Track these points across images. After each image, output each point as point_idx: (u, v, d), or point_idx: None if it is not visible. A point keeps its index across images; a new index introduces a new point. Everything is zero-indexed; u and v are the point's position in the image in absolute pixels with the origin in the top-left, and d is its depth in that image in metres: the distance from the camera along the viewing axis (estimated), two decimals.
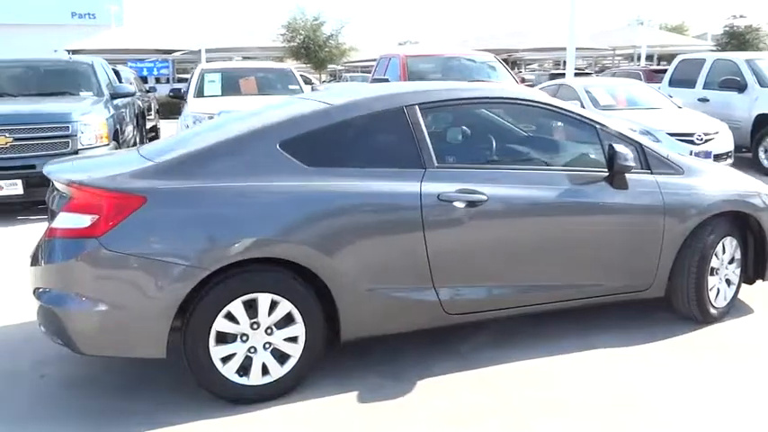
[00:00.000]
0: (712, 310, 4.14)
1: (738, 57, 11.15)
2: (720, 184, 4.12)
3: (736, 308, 4.35)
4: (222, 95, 9.42)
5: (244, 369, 3.21)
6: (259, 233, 3.12)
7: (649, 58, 29.72)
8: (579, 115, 3.89)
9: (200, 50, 25.28)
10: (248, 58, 23.45)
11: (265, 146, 3.28)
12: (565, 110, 3.88)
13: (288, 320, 3.24)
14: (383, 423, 3.12)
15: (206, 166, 3.19)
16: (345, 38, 26.95)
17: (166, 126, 16.35)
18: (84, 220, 3.02)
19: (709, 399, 3.31)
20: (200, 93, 9.44)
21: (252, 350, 3.21)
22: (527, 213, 3.59)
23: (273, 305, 3.20)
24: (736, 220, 4.16)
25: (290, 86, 9.79)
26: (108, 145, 8.06)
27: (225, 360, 3.17)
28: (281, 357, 3.27)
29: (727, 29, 29.17)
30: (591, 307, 4.02)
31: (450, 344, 3.85)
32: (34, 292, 3.24)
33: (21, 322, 4.35)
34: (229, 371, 3.18)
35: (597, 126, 3.86)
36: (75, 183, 3.11)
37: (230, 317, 3.14)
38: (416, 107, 3.52)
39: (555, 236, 3.68)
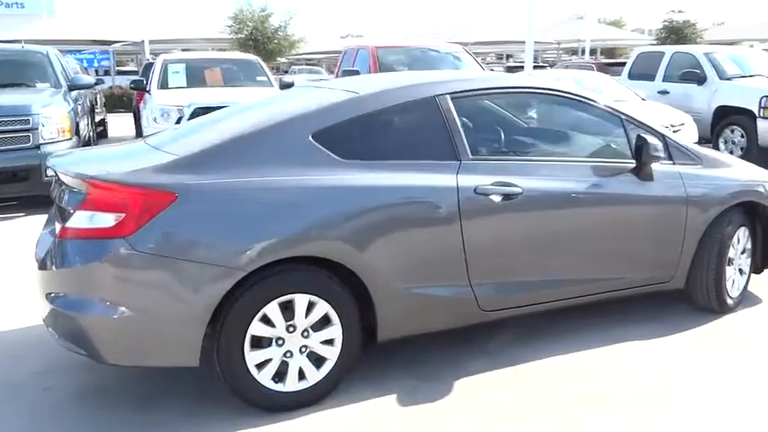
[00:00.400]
0: (729, 301, 4.16)
1: (697, 50, 11.40)
2: (736, 173, 4.13)
3: (746, 297, 4.38)
4: (188, 87, 9.05)
5: (279, 375, 3.02)
6: (297, 231, 2.93)
7: (591, 52, 30.35)
8: (605, 106, 3.82)
9: (142, 41, 24.48)
10: (188, 50, 22.80)
11: (297, 137, 3.08)
12: (591, 100, 3.80)
13: (324, 322, 3.06)
14: (426, 426, 2.98)
15: (236, 159, 2.97)
16: (294, 30, 26.52)
17: (114, 120, 15.78)
18: (106, 219, 2.76)
19: (743, 387, 3.30)
20: (163, 84, 9.05)
21: (288, 354, 3.02)
22: (560, 206, 3.50)
23: (310, 306, 3.01)
24: (748, 209, 4.17)
25: (258, 78, 9.50)
26: (71, 140, 7.66)
27: (260, 366, 2.97)
28: (317, 361, 3.09)
29: (666, 23, 30.04)
30: (613, 301, 3.96)
31: (475, 342, 3.73)
32: (46, 297, 2.96)
33: (10, 329, 4.03)
34: (265, 377, 2.98)
35: (622, 116, 3.80)
36: (96, 178, 2.85)
37: (266, 320, 2.94)
38: (448, 96, 3.38)
39: (585, 228, 3.61)
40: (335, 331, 3.07)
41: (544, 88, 3.76)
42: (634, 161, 3.72)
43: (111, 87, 21.26)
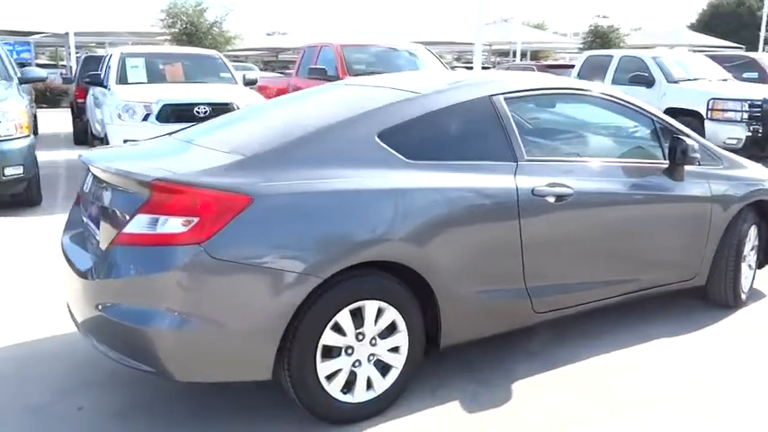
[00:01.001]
0: (742, 296, 4.29)
1: (645, 54, 11.80)
2: (750, 173, 4.25)
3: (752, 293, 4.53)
4: (148, 83, 8.64)
5: (347, 385, 2.88)
6: (371, 234, 2.80)
7: (522, 54, 31.03)
8: (640, 107, 3.86)
9: (66, 34, 23.30)
10: (115, 44, 21.86)
11: (363, 137, 2.95)
12: (628, 102, 3.83)
13: (391, 329, 2.95)
14: None
15: (304, 159, 2.81)
16: (229, 25, 25.83)
17: (43, 116, 14.98)
18: (175, 224, 2.55)
19: None
20: (122, 79, 8.59)
21: (356, 364, 2.89)
22: (603, 206, 3.50)
23: (379, 313, 2.89)
24: (758, 207, 4.30)
25: (222, 74, 9.18)
26: (28, 137, 7.17)
27: (330, 377, 2.82)
28: (383, 369, 2.97)
29: (591, 28, 31.03)
30: (634, 300, 3.99)
31: (515, 343, 3.68)
32: (96, 308, 2.72)
33: (14, 342, 3.71)
34: (335, 388, 2.84)
35: (654, 118, 3.86)
36: (165, 180, 2.62)
37: (337, 328, 2.80)
38: (501, 97, 3.33)
39: (625, 228, 3.63)
40: (402, 338, 2.97)
41: (586, 89, 3.76)
42: (667, 162, 3.77)
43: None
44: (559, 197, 3.28)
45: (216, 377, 2.70)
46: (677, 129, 3.90)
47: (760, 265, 4.57)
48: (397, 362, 2.98)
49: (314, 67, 9.64)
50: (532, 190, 3.21)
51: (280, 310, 2.63)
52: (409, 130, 3.05)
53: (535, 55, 39.98)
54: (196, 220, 2.54)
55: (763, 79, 12.01)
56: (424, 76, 3.78)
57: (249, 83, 9.23)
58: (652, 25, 43.89)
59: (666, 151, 3.80)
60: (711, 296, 4.26)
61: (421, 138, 3.09)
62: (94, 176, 3.08)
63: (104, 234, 2.88)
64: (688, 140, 3.67)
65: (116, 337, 2.70)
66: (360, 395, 2.90)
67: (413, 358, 3.02)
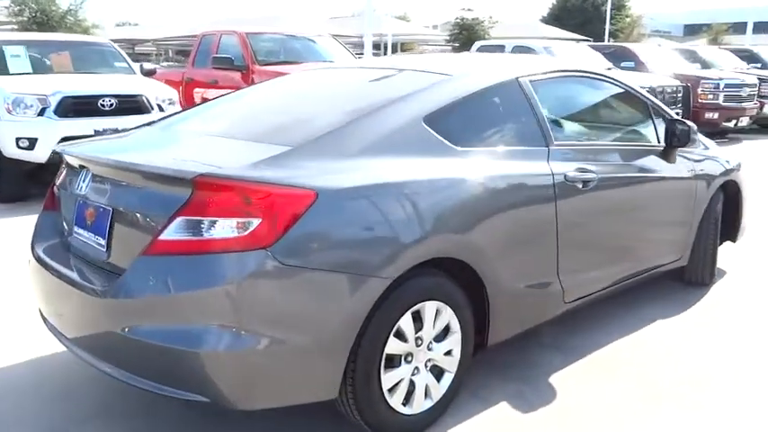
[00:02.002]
0: (714, 273, 4.46)
1: (537, 44, 12.21)
2: (720, 154, 4.40)
3: None
4: (34, 73, 7.70)
5: (406, 396, 2.63)
6: (434, 231, 2.55)
7: (378, 46, 31.22)
8: (639, 92, 3.87)
9: None
10: None
11: (411, 122, 2.69)
12: (629, 86, 3.82)
13: (445, 331, 2.73)
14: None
15: (356, 149, 2.51)
16: (87, 14, 23.96)
17: None
18: (227, 227, 2.18)
19: None
20: (2, 70, 7.59)
21: (415, 371, 2.64)
22: (617, 190, 3.47)
23: (437, 314, 2.66)
24: (723, 188, 4.46)
25: (117, 64, 8.38)
26: None
27: (391, 389, 2.56)
28: (438, 375, 2.75)
29: (458, 21, 31.93)
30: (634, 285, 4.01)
31: (526, 337, 3.57)
32: (122, 330, 2.28)
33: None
34: (396, 401, 2.58)
35: (649, 102, 3.89)
36: (214, 176, 2.22)
37: (399, 334, 2.54)
38: (527, 79, 3.18)
39: (633, 211, 3.63)
40: (455, 340, 2.75)
41: (598, 73, 3.70)
42: (662, 144, 3.81)
43: None
44: (585, 182, 3.20)
45: (280, 402, 2.35)
46: (666, 112, 3.95)
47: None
48: (452, 366, 2.77)
49: (218, 56, 9.05)
50: (565, 176, 3.10)
51: (350, 318, 2.33)
52: (451, 114, 2.83)
53: (402, 47, 40.52)
54: (257, 221, 2.17)
55: (638, 68, 12.82)
56: (433, 59, 3.54)
57: (148, 73, 8.51)
58: (509, 19, 45.84)
59: (660, 134, 3.83)
60: (689, 275, 4.38)
61: (463, 123, 2.88)
62: (94, 175, 2.60)
63: (122, 244, 2.43)
64: (684, 124, 3.72)
65: (151, 362, 2.28)
66: (418, 405, 2.66)
67: (465, 361, 2.82)
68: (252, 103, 3.33)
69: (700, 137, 4.41)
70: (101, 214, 2.54)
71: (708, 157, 4.19)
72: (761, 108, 13.09)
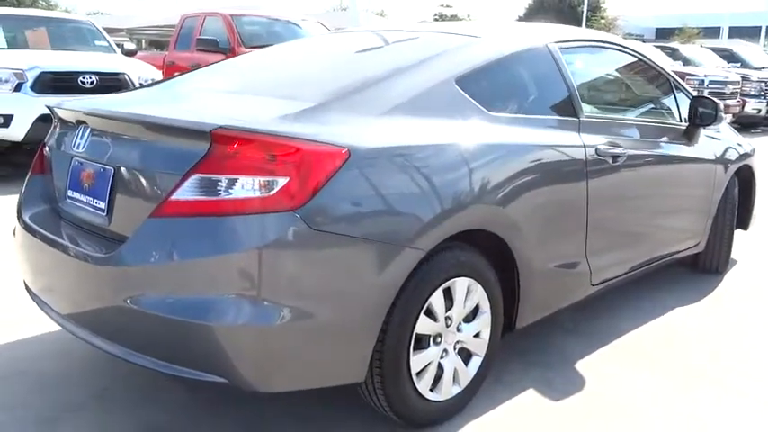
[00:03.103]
0: (728, 261, 4.31)
1: None
2: (735, 138, 4.25)
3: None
4: (9, 48, 7.33)
5: (435, 380, 2.41)
6: (471, 197, 2.32)
7: None
8: (662, 68, 3.69)
9: None
10: None
11: (443, 83, 2.45)
12: (653, 61, 3.64)
13: (474, 311, 2.51)
14: (604, 424, 2.58)
15: (386, 107, 2.27)
16: (59, 0, 23.28)
17: None
18: (248, 186, 1.93)
19: None
20: None
21: (444, 354, 2.42)
22: (644, 167, 3.28)
23: (468, 292, 2.44)
24: (738, 172, 4.31)
25: (97, 42, 8.01)
26: None
27: (419, 373, 2.33)
28: (466, 359, 2.53)
29: (436, 17, 31.82)
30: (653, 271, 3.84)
31: (547, 321, 3.37)
32: (124, 301, 2.02)
33: None
34: (425, 386, 2.36)
35: (671, 79, 3.72)
36: (232, 128, 1.96)
37: (429, 313, 2.31)
38: (556, 45, 2.98)
39: (660, 194, 3.45)
40: (485, 321, 2.54)
41: (624, 46, 3.50)
42: (685, 123, 3.65)
43: None
44: (615, 157, 3.01)
45: (302, 384, 2.09)
46: (688, 91, 3.78)
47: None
48: (480, 349, 2.55)
49: (202, 38, 8.73)
50: (596, 149, 2.90)
51: (382, 292, 2.10)
52: (483, 77, 2.60)
53: None
54: (283, 180, 1.93)
55: None
56: (458, 25, 3.32)
57: (129, 53, 8.17)
58: (486, 16, 45.89)
59: (683, 112, 3.66)
60: (703, 263, 4.23)
61: (494, 87, 2.66)
62: (93, 130, 2.32)
63: (126, 207, 2.17)
64: (711, 102, 3.55)
65: (160, 338, 2.02)
66: (447, 391, 2.44)
67: (494, 344, 2.60)
68: (268, 63, 3.07)
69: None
70: (100, 174, 2.27)
71: (724, 140, 4.03)
72: (743, 106, 13.13)
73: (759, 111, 13.52)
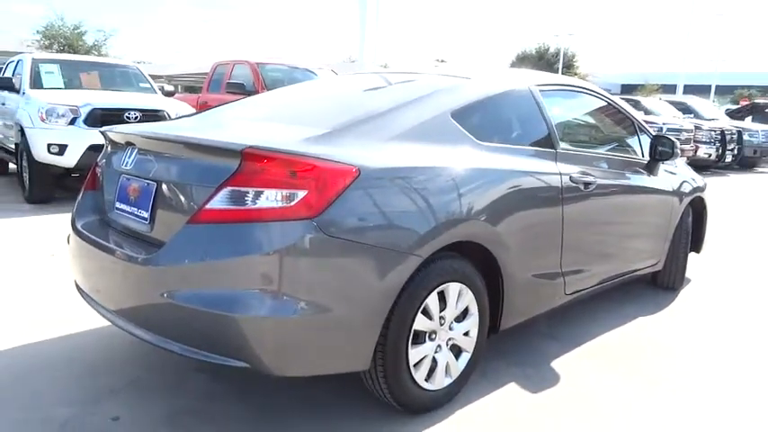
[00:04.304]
0: (683, 278, 4.32)
1: None
2: (690, 173, 4.29)
3: None
4: (65, 88, 7.41)
5: (429, 372, 2.41)
6: (463, 213, 2.35)
7: None
8: (625, 109, 3.74)
9: None
10: None
11: (440, 115, 2.50)
12: (617, 103, 3.69)
13: (464, 313, 2.52)
14: (575, 413, 2.57)
15: (391, 134, 2.31)
16: (110, 49, 23.53)
17: None
18: (272, 198, 1.96)
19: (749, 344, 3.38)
20: (36, 84, 7.29)
21: (437, 349, 2.42)
22: (611, 195, 3.30)
23: (459, 296, 2.45)
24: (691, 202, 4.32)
25: (141, 84, 8.11)
26: None
27: (416, 365, 2.34)
28: (456, 354, 2.53)
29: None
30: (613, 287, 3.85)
31: (526, 326, 3.37)
32: (162, 296, 2.03)
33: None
34: (421, 376, 2.36)
35: (634, 120, 3.77)
36: (260, 148, 2.00)
37: (425, 312, 2.32)
38: (537, 87, 3.03)
39: (625, 218, 3.48)
40: (473, 321, 2.55)
41: (596, 92, 3.55)
42: (646, 158, 3.69)
43: None
44: (587, 184, 3.04)
45: (315, 370, 2.10)
46: (647, 129, 3.83)
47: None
48: (469, 346, 2.56)
49: (231, 81, 8.83)
50: (570, 176, 2.94)
51: (385, 292, 2.11)
52: (474, 111, 2.65)
53: None
54: (303, 193, 1.96)
55: None
56: (451, 67, 3.37)
57: (167, 94, 8.26)
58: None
59: (645, 149, 3.71)
60: (661, 280, 4.24)
61: (484, 120, 2.70)
62: (140, 150, 2.36)
63: (165, 216, 2.20)
64: (668, 140, 3.59)
65: (192, 328, 2.02)
66: (440, 382, 2.44)
67: (481, 342, 2.61)
68: (288, 98, 3.12)
69: None
70: (144, 188, 2.30)
71: (680, 174, 4.06)
72: (696, 151, 13.21)
73: (710, 155, 13.59)
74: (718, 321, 3.76)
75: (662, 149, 3.61)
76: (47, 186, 6.60)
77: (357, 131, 2.25)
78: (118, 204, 2.46)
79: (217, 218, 1.99)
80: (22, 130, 6.64)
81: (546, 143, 2.92)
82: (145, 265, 2.09)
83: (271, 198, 1.96)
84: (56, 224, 5.60)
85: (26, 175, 6.66)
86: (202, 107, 9.46)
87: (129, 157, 2.40)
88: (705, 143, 13.43)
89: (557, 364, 2.99)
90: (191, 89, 28.82)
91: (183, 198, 2.15)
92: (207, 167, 2.09)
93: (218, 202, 1.99)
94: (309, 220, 1.94)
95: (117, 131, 2.54)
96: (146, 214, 2.27)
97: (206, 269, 1.98)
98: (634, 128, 3.75)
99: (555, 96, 3.17)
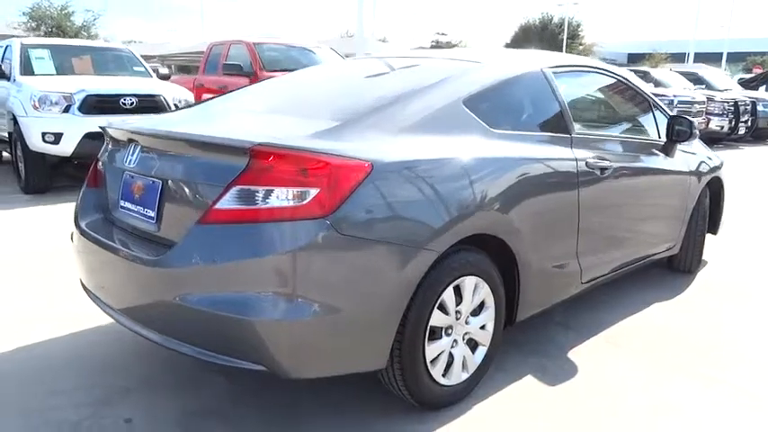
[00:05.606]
0: (700, 262, 4.32)
1: None
2: (707, 153, 4.26)
3: None
4: (57, 74, 7.36)
5: (446, 368, 2.42)
6: (477, 205, 2.34)
7: None
8: (642, 90, 3.70)
9: None
10: None
11: (451, 104, 2.48)
12: (633, 84, 3.66)
13: (480, 307, 2.52)
14: (595, 406, 2.58)
15: (403, 126, 2.29)
16: (100, 29, 23.31)
17: None
18: (283, 196, 1.95)
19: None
20: (27, 71, 7.23)
21: (454, 344, 2.43)
22: (627, 179, 3.28)
23: (475, 289, 2.45)
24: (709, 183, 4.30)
25: (135, 68, 8.05)
26: None
27: (433, 361, 2.35)
28: (473, 349, 2.54)
29: (433, 44, 31.84)
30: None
31: (542, 316, 3.38)
32: (174, 299, 2.03)
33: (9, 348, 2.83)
34: (438, 372, 2.37)
35: (650, 100, 3.73)
36: (270, 145, 1.99)
37: (441, 307, 2.32)
38: (550, 70, 3.00)
39: (641, 202, 3.46)
40: (489, 315, 2.55)
41: (609, 71, 3.51)
42: (663, 139, 3.66)
43: None
44: (603, 169, 3.03)
45: (333, 370, 2.11)
46: (664, 109, 3.79)
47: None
48: (485, 339, 2.57)
49: (228, 63, 8.76)
50: (586, 162, 2.92)
51: (402, 289, 2.11)
52: (486, 98, 2.62)
53: None
54: (314, 191, 1.95)
55: None
56: (461, 51, 3.32)
57: (163, 77, 8.20)
58: (478, 43, 45.89)
59: (662, 129, 3.68)
60: (677, 263, 4.23)
61: (497, 107, 2.67)
62: (143, 147, 2.35)
63: (173, 215, 2.19)
64: (686, 121, 3.56)
65: (206, 331, 2.03)
66: (456, 377, 2.46)
67: (497, 335, 2.61)
68: (291, 86, 3.10)
69: None
70: (150, 187, 2.29)
71: (697, 154, 4.04)
72: (707, 124, 13.13)
73: (722, 128, 13.51)
74: (738, 305, 3.77)
75: (679, 129, 3.58)
76: (43, 176, 6.59)
77: (367, 123, 2.23)
78: (122, 203, 2.45)
79: (227, 218, 1.98)
80: (14, 119, 6.62)
81: (561, 128, 2.90)
82: (155, 266, 2.09)
83: (282, 197, 1.95)
84: (58, 215, 5.60)
85: (21, 165, 6.66)
86: (199, 90, 9.42)
87: (133, 155, 2.38)
88: (717, 115, 13.34)
89: (573, 354, 3.00)
90: (184, 69, 28.64)
91: (190, 197, 2.14)
92: (214, 165, 2.08)
93: (227, 201, 1.98)
94: (323, 218, 1.93)
95: (118, 128, 2.52)
96: (152, 213, 2.26)
97: (218, 271, 1.98)
98: (650, 107, 3.72)
99: (568, 78, 3.14)
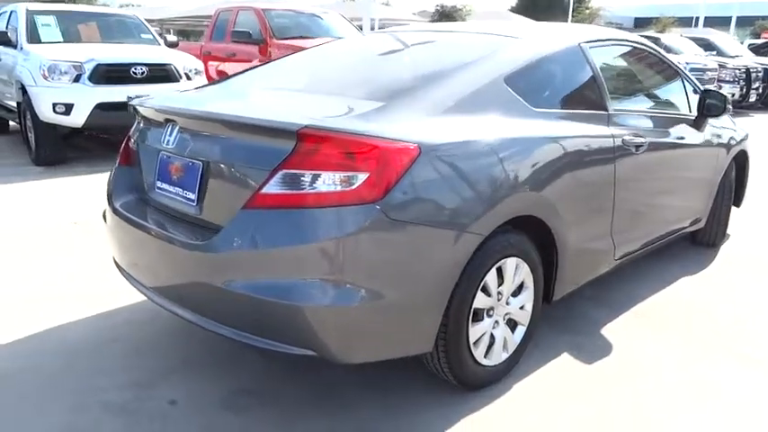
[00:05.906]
0: (725, 235, 4.31)
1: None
2: (732, 124, 4.21)
3: None
4: (65, 42, 7.24)
5: (487, 348, 2.43)
6: (520, 187, 2.32)
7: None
8: (674, 64, 3.64)
9: None
10: None
11: (493, 82, 2.42)
12: (666, 57, 3.59)
13: (520, 287, 2.52)
14: (632, 383, 2.59)
15: (447, 106, 2.25)
16: None
17: None
18: (331, 181, 1.92)
19: None
20: (33, 38, 7.11)
21: (495, 325, 2.43)
22: (660, 154, 3.25)
23: (515, 270, 2.44)
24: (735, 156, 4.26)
25: (143, 35, 7.91)
26: None
27: (476, 342, 2.35)
28: (512, 328, 2.55)
29: (438, 8, 31.31)
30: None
31: (572, 292, 3.39)
32: (222, 284, 2.02)
33: (36, 332, 2.83)
34: (480, 353, 2.38)
35: (682, 74, 3.67)
36: (318, 128, 1.95)
37: (484, 289, 2.32)
38: (587, 45, 2.94)
39: (672, 175, 3.43)
40: (528, 295, 2.55)
41: (642, 43, 3.44)
42: (694, 114, 3.61)
43: None
44: (637, 146, 2.99)
45: (381, 355, 2.12)
46: (696, 84, 3.73)
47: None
48: (524, 319, 2.57)
49: (237, 30, 8.60)
50: (622, 139, 2.88)
51: (449, 273, 2.10)
52: (527, 75, 2.57)
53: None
54: (363, 175, 1.92)
55: None
56: (496, 25, 3.24)
57: (171, 45, 8.06)
58: (482, 7, 45.07)
59: (693, 104, 3.63)
60: (702, 237, 4.22)
61: (537, 84, 2.63)
62: (182, 128, 2.30)
63: (215, 198, 2.17)
64: (718, 95, 3.51)
65: (252, 316, 2.02)
66: (497, 357, 2.47)
67: (536, 314, 2.62)
68: (322, 63, 3.04)
69: None
70: (189, 168, 2.26)
71: (725, 126, 3.99)
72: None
73: (733, 95, 13.36)
74: (762, 280, 3.77)
75: (711, 103, 3.52)
76: (55, 147, 6.52)
77: (410, 103, 2.19)
78: (159, 183, 2.42)
79: (273, 203, 1.95)
80: (23, 88, 6.52)
81: (598, 105, 2.85)
82: (201, 251, 2.07)
83: (329, 181, 1.92)
84: (73, 188, 5.57)
85: (31, 136, 6.59)
86: (207, 57, 9.28)
87: (171, 135, 2.34)
88: (729, 82, 13.19)
89: (606, 330, 3.02)
90: (184, 34, 28.18)
91: (233, 180, 2.11)
92: (259, 148, 2.04)
93: (274, 186, 1.95)
94: (372, 204, 1.91)
95: (152, 106, 2.47)
96: (192, 196, 2.24)
97: (265, 256, 1.96)
98: (681, 81, 3.66)
99: (603, 52, 3.08)
